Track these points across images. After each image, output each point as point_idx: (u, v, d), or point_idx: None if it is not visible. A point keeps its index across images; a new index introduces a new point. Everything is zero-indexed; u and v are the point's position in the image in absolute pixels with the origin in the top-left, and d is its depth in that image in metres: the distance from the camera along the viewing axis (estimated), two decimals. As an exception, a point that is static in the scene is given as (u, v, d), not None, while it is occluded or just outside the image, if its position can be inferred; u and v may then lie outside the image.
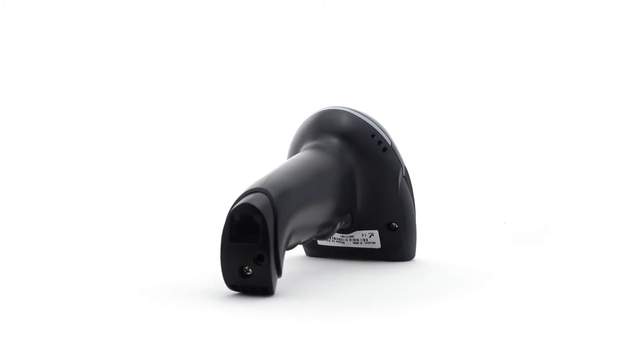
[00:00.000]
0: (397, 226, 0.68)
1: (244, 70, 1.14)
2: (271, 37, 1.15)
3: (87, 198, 0.99)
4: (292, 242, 0.60)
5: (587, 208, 0.94)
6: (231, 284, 0.58)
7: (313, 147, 0.67)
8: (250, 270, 0.56)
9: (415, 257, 0.74)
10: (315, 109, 0.69)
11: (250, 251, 0.56)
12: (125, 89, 1.13)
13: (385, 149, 0.67)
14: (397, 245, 0.68)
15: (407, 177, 0.68)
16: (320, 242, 0.69)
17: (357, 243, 0.68)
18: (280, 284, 0.60)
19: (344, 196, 0.66)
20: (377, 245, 0.69)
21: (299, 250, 0.72)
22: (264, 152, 0.76)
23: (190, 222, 0.87)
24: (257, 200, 0.57)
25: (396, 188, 0.67)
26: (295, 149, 0.68)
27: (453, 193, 0.96)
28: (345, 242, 0.69)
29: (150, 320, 0.53)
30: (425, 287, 0.64)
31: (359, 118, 0.68)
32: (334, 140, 0.67)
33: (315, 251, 0.70)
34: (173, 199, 0.99)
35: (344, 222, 0.67)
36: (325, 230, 0.65)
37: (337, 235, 0.69)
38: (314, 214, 0.63)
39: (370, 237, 0.68)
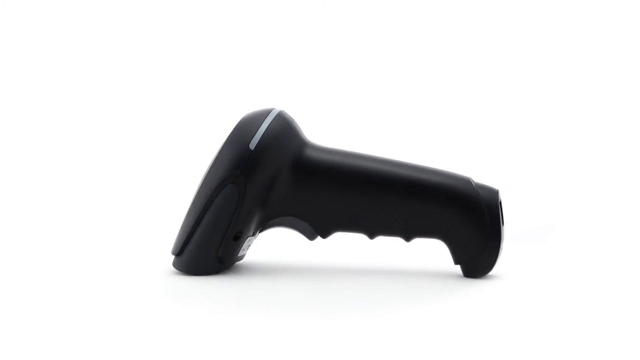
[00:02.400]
0: None
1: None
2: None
3: (74, 196, 0.99)
4: None
5: (588, 208, 0.94)
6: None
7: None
8: None
9: (416, 257, 0.73)
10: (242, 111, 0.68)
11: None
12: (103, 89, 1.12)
13: None
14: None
15: None
16: (241, 253, 0.67)
17: (244, 249, 0.68)
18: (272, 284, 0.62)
19: None
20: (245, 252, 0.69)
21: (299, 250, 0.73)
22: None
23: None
24: None
25: None
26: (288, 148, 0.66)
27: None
28: (245, 248, 0.68)
29: (135, 320, 0.53)
30: (425, 286, 0.63)
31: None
32: None
33: (223, 265, 0.67)
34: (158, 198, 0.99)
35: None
36: None
37: (249, 241, 0.67)
38: None
39: (251, 241, 0.68)
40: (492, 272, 0.68)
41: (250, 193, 0.64)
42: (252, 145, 0.64)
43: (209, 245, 0.64)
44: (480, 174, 0.71)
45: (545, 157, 1.03)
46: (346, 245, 0.75)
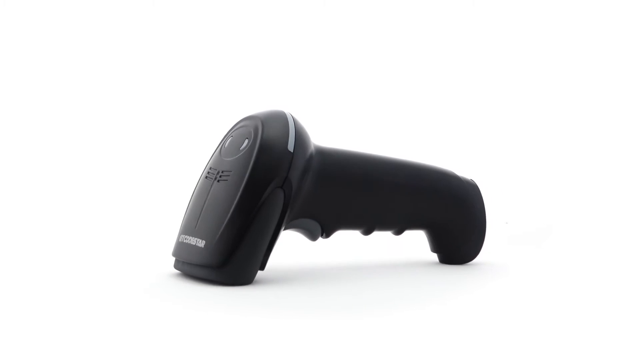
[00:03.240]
0: None
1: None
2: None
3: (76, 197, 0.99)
4: None
5: (588, 209, 0.94)
6: None
7: None
8: None
9: (416, 256, 0.74)
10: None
11: None
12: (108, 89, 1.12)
13: None
14: None
15: None
16: None
17: None
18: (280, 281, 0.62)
19: None
20: None
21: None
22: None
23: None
24: None
25: None
26: (308, 146, 0.65)
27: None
28: None
29: (139, 319, 0.53)
30: (425, 286, 0.64)
31: None
32: None
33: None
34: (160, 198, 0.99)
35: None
36: None
37: None
38: None
39: None
40: (491, 273, 0.68)
41: (293, 195, 0.62)
42: (290, 147, 0.62)
43: (260, 252, 0.61)
44: (480, 175, 0.72)
45: (543, 159, 1.03)
46: (337, 243, 0.75)
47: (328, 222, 0.66)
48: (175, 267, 0.64)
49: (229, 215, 0.60)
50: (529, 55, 1.09)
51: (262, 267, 0.62)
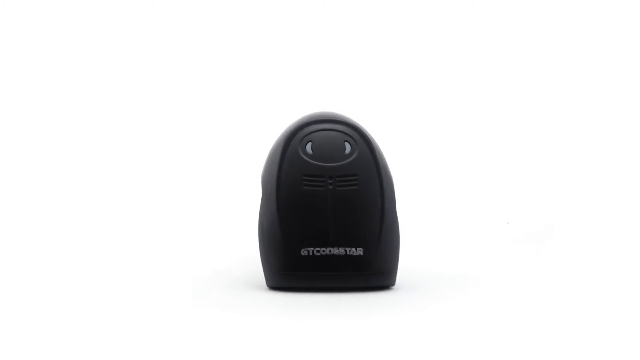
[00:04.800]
0: None
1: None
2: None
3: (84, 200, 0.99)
4: None
5: (590, 209, 0.94)
6: None
7: None
8: None
9: (419, 256, 0.74)
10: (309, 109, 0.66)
11: None
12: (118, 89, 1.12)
13: None
14: None
15: None
16: None
17: None
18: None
19: None
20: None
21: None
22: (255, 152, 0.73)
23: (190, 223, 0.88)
24: None
25: None
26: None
27: (457, 193, 0.96)
28: None
29: (150, 323, 0.53)
30: (426, 286, 0.64)
31: None
32: None
33: None
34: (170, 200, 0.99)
35: None
36: None
37: None
38: None
39: None
40: (492, 273, 0.68)
41: None
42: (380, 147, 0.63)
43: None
44: (483, 175, 0.72)
45: (545, 158, 1.03)
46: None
47: None
48: (301, 283, 0.60)
49: (383, 218, 0.60)
50: (529, 55, 1.09)
51: None
